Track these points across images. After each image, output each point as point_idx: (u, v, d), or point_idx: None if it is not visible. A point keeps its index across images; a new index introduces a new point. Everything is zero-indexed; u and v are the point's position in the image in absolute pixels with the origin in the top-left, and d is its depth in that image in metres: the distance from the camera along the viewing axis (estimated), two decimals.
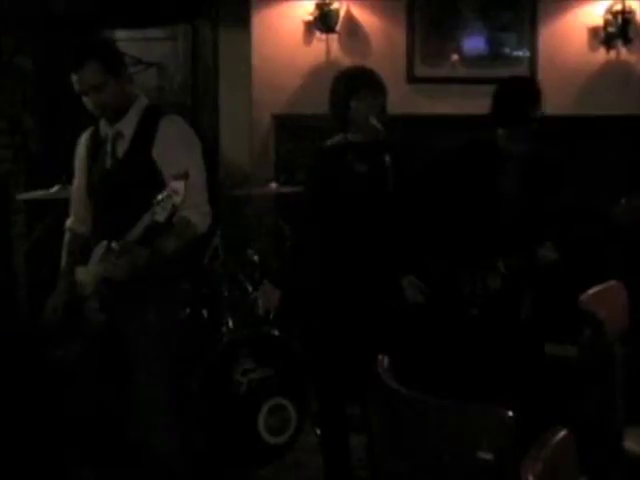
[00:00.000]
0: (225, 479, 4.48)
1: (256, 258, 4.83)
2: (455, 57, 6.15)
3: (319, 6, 5.97)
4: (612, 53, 6.08)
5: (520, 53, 6.13)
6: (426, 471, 2.30)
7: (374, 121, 3.79)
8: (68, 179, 4.03)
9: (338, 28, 6.03)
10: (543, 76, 6.04)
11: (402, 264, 3.95)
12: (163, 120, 3.55)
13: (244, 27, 6.13)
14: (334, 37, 6.07)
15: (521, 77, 4.59)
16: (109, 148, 3.59)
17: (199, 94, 6.36)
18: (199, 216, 3.49)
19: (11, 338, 5.00)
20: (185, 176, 3.19)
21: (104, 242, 3.37)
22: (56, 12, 6.03)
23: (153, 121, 3.55)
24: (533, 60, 6.10)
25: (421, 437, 2.32)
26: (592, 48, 6.11)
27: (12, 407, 4.48)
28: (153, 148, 3.49)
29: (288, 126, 6.13)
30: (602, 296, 3.27)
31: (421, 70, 6.15)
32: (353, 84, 3.88)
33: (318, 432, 4.48)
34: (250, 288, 4.76)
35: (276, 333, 4.48)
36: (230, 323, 4.58)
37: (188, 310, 4.46)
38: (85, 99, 3.50)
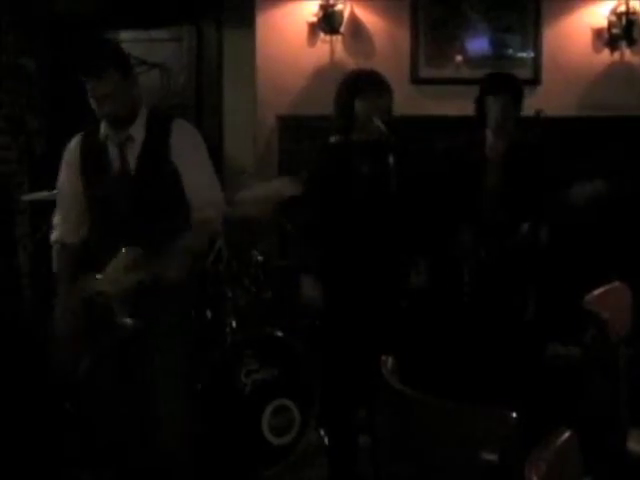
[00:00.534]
0: None
1: (260, 259, 4.83)
2: (459, 58, 6.15)
3: (323, 7, 5.97)
4: (616, 54, 6.07)
5: (524, 54, 6.13)
6: (430, 472, 2.30)
7: (378, 122, 3.79)
8: None
9: (342, 29, 6.03)
10: (547, 77, 6.05)
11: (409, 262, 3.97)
12: (174, 124, 3.59)
13: (248, 28, 6.14)
14: (338, 38, 6.07)
15: (501, 74, 4.60)
16: (115, 153, 3.56)
17: (203, 95, 6.37)
18: (217, 214, 3.61)
19: (15, 338, 5.00)
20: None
21: (135, 249, 3.42)
22: (60, 13, 6.04)
23: (163, 124, 3.58)
24: (537, 61, 6.10)
25: (425, 438, 2.32)
26: (596, 49, 6.11)
27: (14, 408, 4.48)
28: (170, 151, 3.53)
29: (292, 127, 6.13)
30: (606, 297, 3.27)
31: (425, 71, 6.15)
32: (358, 84, 3.89)
33: (322, 434, 4.49)
34: (254, 289, 4.76)
35: (280, 334, 4.48)
36: (234, 324, 4.58)
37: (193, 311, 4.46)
38: (97, 105, 3.47)
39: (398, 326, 3.87)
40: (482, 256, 4.12)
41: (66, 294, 3.57)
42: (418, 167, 4.16)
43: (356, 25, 6.11)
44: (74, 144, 3.69)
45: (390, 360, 2.48)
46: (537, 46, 6.10)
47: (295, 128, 6.10)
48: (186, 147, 3.58)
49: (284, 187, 3.27)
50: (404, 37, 6.14)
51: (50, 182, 3.87)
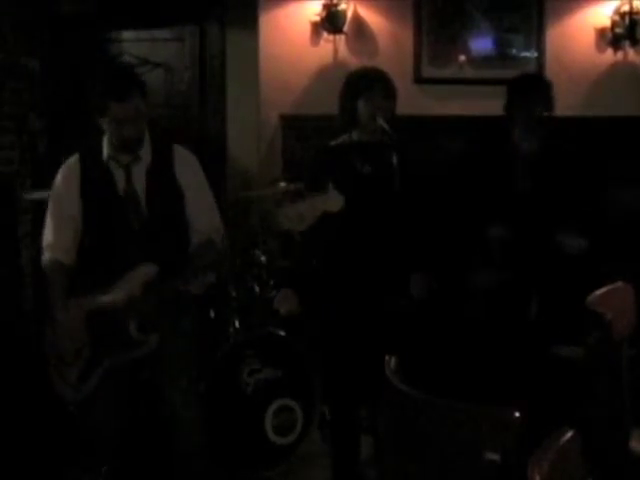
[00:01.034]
0: None
1: (263, 259, 4.83)
2: (462, 58, 6.15)
3: (326, 7, 5.97)
4: (619, 54, 6.08)
5: (527, 54, 6.13)
6: (433, 472, 2.30)
7: (381, 121, 3.79)
8: None
9: (345, 29, 6.03)
10: (550, 77, 5.97)
11: (412, 262, 3.95)
12: (175, 148, 3.69)
13: (252, 28, 6.14)
14: (341, 38, 6.07)
15: (530, 75, 4.57)
16: (120, 174, 3.58)
17: (206, 95, 6.36)
18: (219, 238, 3.64)
19: (17, 337, 5.01)
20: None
21: (152, 265, 3.48)
22: (62, 12, 6.04)
23: (166, 146, 3.67)
24: (540, 61, 6.10)
25: (428, 438, 2.32)
26: (599, 49, 6.11)
27: (14, 409, 4.49)
28: (175, 173, 3.63)
29: (295, 126, 6.13)
30: (610, 297, 3.26)
31: (428, 71, 6.15)
32: (363, 83, 3.89)
33: (324, 434, 4.49)
34: (257, 289, 4.76)
35: (283, 334, 4.47)
36: (237, 324, 4.58)
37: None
38: (116, 128, 3.48)
39: (400, 326, 3.86)
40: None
41: (65, 310, 3.50)
42: (428, 169, 4.14)
43: (359, 25, 6.11)
44: (72, 166, 3.65)
45: (393, 360, 2.48)
46: (540, 46, 6.10)
47: (298, 127, 6.11)
48: (188, 170, 3.68)
49: (330, 203, 3.24)
50: (407, 37, 6.14)
51: (52, 181, 3.85)
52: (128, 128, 3.48)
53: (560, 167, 4.09)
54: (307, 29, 6.11)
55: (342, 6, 5.97)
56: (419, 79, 6.14)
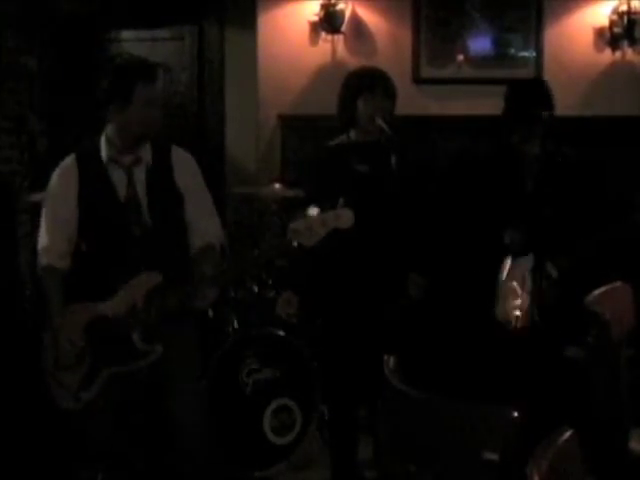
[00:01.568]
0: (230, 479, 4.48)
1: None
2: (461, 58, 6.14)
3: (325, 7, 5.97)
4: (618, 54, 6.07)
5: (526, 54, 6.12)
6: (432, 471, 2.31)
7: (380, 121, 3.79)
8: None
9: (344, 29, 6.03)
10: (549, 77, 6.02)
11: (410, 262, 3.95)
12: (173, 149, 3.62)
13: (250, 28, 6.14)
14: (340, 38, 6.07)
15: (530, 79, 4.53)
16: (120, 177, 3.50)
17: (205, 94, 6.36)
18: (218, 242, 3.64)
19: (16, 337, 5.00)
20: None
21: (155, 274, 3.38)
22: (62, 12, 6.04)
23: (164, 147, 3.60)
24: (539, 61, 6.09)
25: (427, 437, 2.32)
26: (598, 49, 6.10)
27: (13, 410, 4.49)
28: (174, 176, 3.55)
29: (294, 126, 6.13)
30: (608, 297, 3.26)
31: (427, 71, 6.15)
32: (363, 83, 3.89)
33: (323, 435, 4.49)
34: (256, 288, 4.76)
35: (282, 334, 4.48)
36: (236, 323, 4.58)
37: None
38: (147, 113, 3.42)
39: (400, 325, 3.86)
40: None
41: (61, 316, 3.43)
42: (427, 169, 4.14)
43: (358, 24, 6.11)
44: (69, 167, 3.57)
45: (392, 360, 2.49)
46: (539, 45, 6.10)
47: (297, 127, 6.11)
48: (188, 173, 3.61)
49: (341, 219, 3.20)
50: (406, 36, 6.14)
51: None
52: (155, 111, 3.43)
53: (562, 171, 4.09)
54: (305, 29, 6.11)
55: (340, 6, 5.97)
56: (418, 79, 6.14)
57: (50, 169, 3.66)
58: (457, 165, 4.30)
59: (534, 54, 6.11)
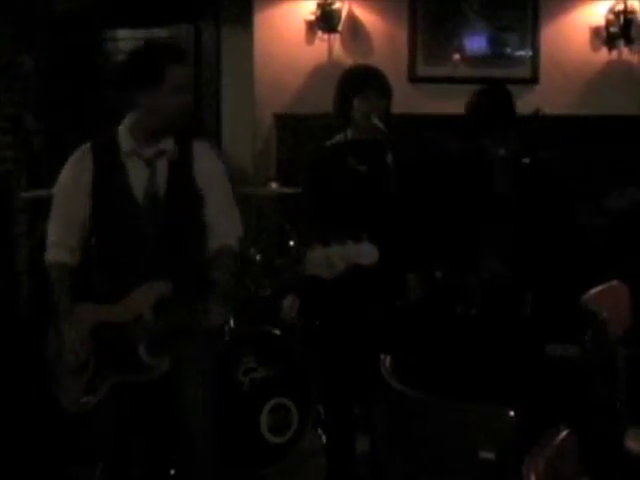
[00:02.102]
0: (227, 479, 4.48)
1: (258, 257, 4.82)
2: (457, 57, 6.14)
3: (321, 6, 5.97)
4: (614, 53, 6.08)
5: (522, 53, 6.13)
6: (428, 470, 2.31)
7: (375, 120, 3.79)
8: None
9: (340, 28, 6.02)
10: (545, 76, 6.06)
11: (407, 261, 3.95)
12: (196, 141, 3.37)
13: (246, 27, 6.13)
14: (336, 37, 6.06)
15: (490, 87, 4.49)
16: (141, 171, 3.24)
17: (201, 93, 6.36)
18: (237, 245, 3.40)
19: (12, 336, 5.01)
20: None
21: (164, 284, 3.15)
22: (58, 11, 6.04)
23: (186, 141, 3.34)
24: (535, 60, 6.10)
25: (423, 437, 2.32)
26: (594, 48, 6.11)
27: (12, 409, 4.49)
28: (194, 173, 3.30)
29: (290, 125, 6.13)
30: (605, 296, 3.28)
31: (423, 70, 6.15)
32: (358, 81, 3.88)
33: (320, 434, 4.49)
34: (253, 287, 4.75)
35: (278, 333, 4.48)
36: (232, 322, 4.58)
37: None
38: (179, 97, 3.17)
39: (396, 325, 3.87)
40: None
41: (69, 313, 3.20)
42: (423, 167, 4.14)
43: (354, 24, 6.11)
44: (84, 156, 3.31)
45: (388, 359, 2.49)
46: (535, 45, 6.10)
47: (293, 126, 6.10)
48: (209, 168, 3.36)
49: (364, 256, 2.91)
50: (402, 35, 6.14)
51: (48, 180, 3.82)
52: (187, 95, 3.22)
53: (535, 173, 4.12)
54: (302, 28, 6.11)
55: (337, 5, 5.97)
56: (414, 78, 6.14)
57: (46, 168, 3.64)
58: (430, 163, 4.31)
59: (530, 53, 6.11)
